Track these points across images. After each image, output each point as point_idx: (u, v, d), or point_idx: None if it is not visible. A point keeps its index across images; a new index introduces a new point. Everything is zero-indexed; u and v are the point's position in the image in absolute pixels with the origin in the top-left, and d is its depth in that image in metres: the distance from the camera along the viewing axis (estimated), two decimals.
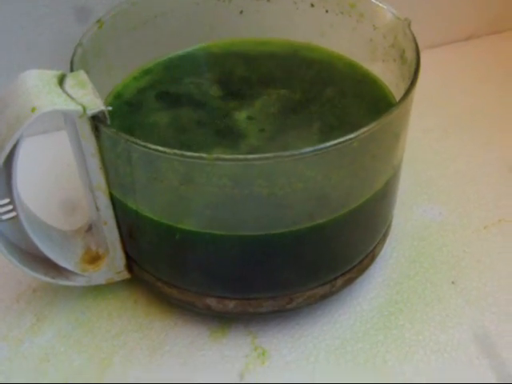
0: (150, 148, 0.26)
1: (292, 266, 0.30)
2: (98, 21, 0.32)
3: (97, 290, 0.35)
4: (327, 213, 0.28)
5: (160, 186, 0.27)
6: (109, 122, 0.27)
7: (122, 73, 0.35)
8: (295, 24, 0.37)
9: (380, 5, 0.34)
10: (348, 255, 0.32)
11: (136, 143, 0.26)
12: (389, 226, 0.34)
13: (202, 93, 0.35)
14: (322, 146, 0.25)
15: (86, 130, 0.28)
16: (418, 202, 0.39)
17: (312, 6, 0.36)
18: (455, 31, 0.52)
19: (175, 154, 0.25)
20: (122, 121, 0.33)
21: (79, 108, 0.27)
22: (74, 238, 0.33)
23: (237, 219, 0.28)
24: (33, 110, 0.26)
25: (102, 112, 0.27)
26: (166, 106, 0.34)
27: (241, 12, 0.37)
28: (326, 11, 0.36)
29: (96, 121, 0.27)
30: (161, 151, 0.26)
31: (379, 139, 0.28)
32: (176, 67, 0.37)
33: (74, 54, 0.30)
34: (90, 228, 0.34)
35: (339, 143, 0.26)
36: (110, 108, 0.27)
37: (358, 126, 0.30)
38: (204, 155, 0.25)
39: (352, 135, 0.26)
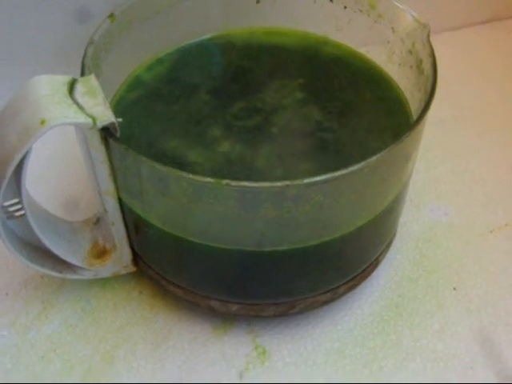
0: (158, 167, 0.26)
1: (296, 278, 0.31)
2: (110, 15, 0.32)
3: (103, 279, 0.35)
4: (333, 231, 0.28)
5: (168, 200, 0.28)
6: (119, 133, 0.27)
7: (134, 64, 0.35)
8: (312, 17, 0.36)
9: (400, 7, 0.33)
10: (352, 266, 0.32)
11: (145, 161, 0.26)
12: (394, 234, 0.34)
13: (215, 84, 0.35)
14: (332, 175, 0.25)
15: (95, 140, 0.27)
16: (426, 201, 0.39)
17: (331, 0, 0.35)
18: (474, 14, 0.50)
19: (184, 177, 0.25)
20: (133, 111, 0.33)
21: (89, 120, 0.27)
22: (81, 231, 0.34)
23: (242, 236, 0.28)
24: (42, 122, 0.26)
25: (113, 124, 0.27)
26: (178, 96, 0.34)
27: (257, 1, 0.36)
28: (345, 7, 0.35)
29: (106, 132, 0.27)
30: (169, 172, 0.26)
31: (391, 162, 0.27)
32: (189, 57, 0.36)
33: (85, 55, 0.30)
34: (97, 220, 0.34)
35: (350, 172, 0.25)
36: (121, 120, 0.27)
37: (371, 139, 0.30)
38: (213, 180, 0.25)
39: (363, 163, 0.26)
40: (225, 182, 0.25)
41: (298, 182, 0.25)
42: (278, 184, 0.25)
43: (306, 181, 0.25)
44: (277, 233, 0.28)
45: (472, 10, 0.50)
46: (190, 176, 0.25)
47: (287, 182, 0.25)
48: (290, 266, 0.30)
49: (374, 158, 0.26)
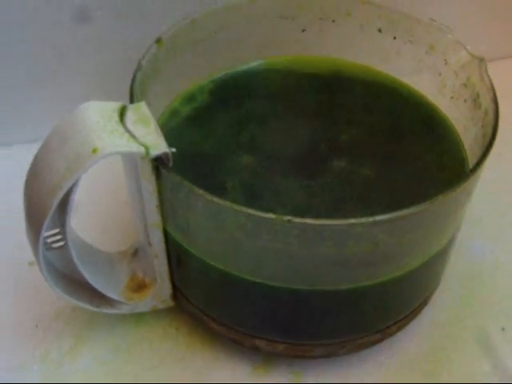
0: (216, 201, 0.24)
1: (347, 318, 0.29)
2: (158, 40, 0.31)
3: (137, 314, 0.34)
4: (390, 272, 0.27)
5: (219, 235, 0.26)
6: (171, 163, 0.26)
7: (178, 91, 0.34)
8: (359, 47, 0.35)
9: (453, 39, 0.32)
10: (404, 307, 0.31)
11: (201, 194, 0.25)
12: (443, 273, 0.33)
13: (260, 112, 0.34)
14: (398, 213, 0.24)
15: (146, 170, 0.26)
16: (469, 238, 0.38)
17: (379, 31, 0.34)
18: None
19: (243, 212, 0.24)
20: (179, 138, 0.32)
21: (142, 150, 0.25)
22: (119, 263, 0.32)
23: (297, 274, 0.27)
24: (94, 151, 0.25)
25: (166, 154, 0.26)
26: (223, 123, 0.33)
27: (303, 30, 0.35)
28: (394, 38, 0.34)
29: (158, 162, 0.26)
30: (227, 206, 0.24)
31: (455, 201, 0.26)
32: (235, 84, 0.35)
33: (133, 81, 0.29)
34: (135, 252, 0.33)
35: (417, 211, 0.24)
36: (174, 150, 0.26)
37: (422, 176, 0.29)
38: (274, 216, 0.24)
39: (430, 202, 0.24)
40: (287, 218, 0.24)
41: (364, 220, 0.24)
42: (343, 222, 0.24)
43: (372, 219, 0.24)
44: (333, 272, 0.27)
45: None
46: (250, 211, 0.24)
47: (352, 220, 0.24)
48: (343, 307, 0.29)
49: (441, 197, 0.25)
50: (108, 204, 0.39)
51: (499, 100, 0.29)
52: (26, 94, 0.40)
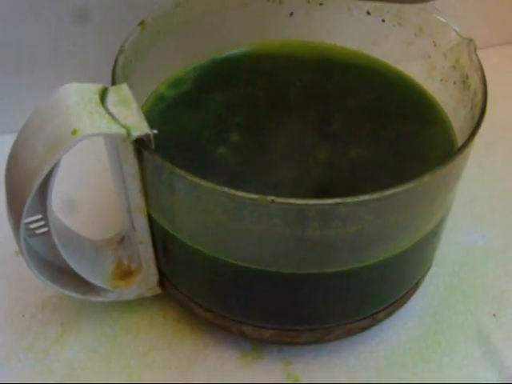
0: (197, 182, 0.24)
1: (334, 303, 0.29)
2: (141, 23, 0.30)
3: (125, 302, 0.33)
4: (378, 254, 0.27)
5: (204, 218, 0.26)
6: (153, 145, 0.26)
7: (163, 75, 0.33)
8: (347, 30, 0.35)
9: (443, 20, 0.31)
10: (393, 291, 0.30)
11: (183, 175, 0.24)
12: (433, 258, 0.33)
13: (245, 97, 0.33)
14: (384, 193, 0.24)
15: (128, 153, 0.26)
16: (461, 224, 0.38)
17: (368, 13, 0.34)
18: (505, 33, 0.49)
19: (225, 192, 0.24)
20: (162, 124, 0.32)
21: (123, 131, 0.25)
22: (105, 251, 0.32)
23: (282, 257, 0.26)
24: (74, 132, 0.24)
25: (147, 135, 0.25)
26: (209, 108, 0.32)
27: (291, 14, 0.35)
28: (383, 20, 0.33)
29: (140, 144, 0.25)
30: (209, 187, 0.24)
31: (442, 181, 0.26)
32: (219, 69, 0.34)
33: (115, 64, 0.28)
34: (122, 239, 0.32)
35: (402, 190, 0.24)
36: (156, 131, 0.26)
37: (412, 157, 0.29)
38: (257, 197, 0.23)
39: (416, 181, 0.24)
40: (270, 198, 0.23)
41: (349, 199, 0.23)
42: (328, 201, 0.23)
43: (358, 199, 0.23)
44: (319, 255, 0.26)
45: (503, 30, 0.48)
46: (232, 192, 0.24)
47: (337, 200, 0.23)
48: (330, 291, 0.28)
49: (427, 176, 0.24)
50: (96, 191, 0.39)
51: (492, 89, 0.29)
52: (7, 84, 0.40)
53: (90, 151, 0.35)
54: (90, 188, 0.39)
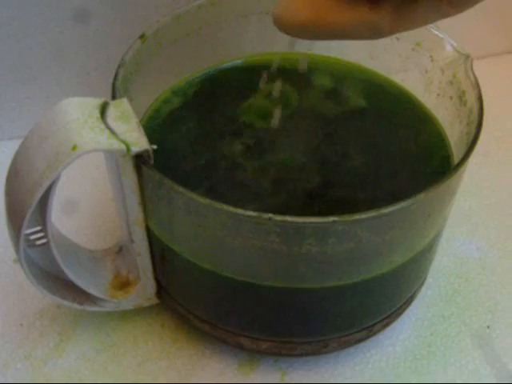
0: (196, 198, 0.24)
1: (331, 317, 0.29)
2: (142, 36, 0.30)
3: (123, 312, 0.33)
4: (374, 269, 0.27)
5: (201, 233, 0.26)
6: (152, 161, 0.26)
7: (163, 86, 0.33)
8: (345, 43, 0.35)
9: (440, 35, 0.32)
10: (389, 303, 0.31)
11: (181, 192, 0.24)
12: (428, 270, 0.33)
13: (244, 108, 0.33)
14: (380, 211, 0.24)
15: (128, 167, 0.26)
16: (456, 235, 0.38)
17: None
18: (500, 43, 0.49)
19: (223, 209, 0.24)
20: (161, 134, 0.32)
21: (123, 147, 0.25)
22: (103, 261, 0.32)
23: (279, 272, 0.27)
24: (74, 148, 0.25)
25: (147, 151, 0.26)
26: (207, 120, 0.33)
27: None
28: None
29: (139, 160, 0.26)
30: (208, 204, 0.24)
31: (438, 198, 0.26)
32: (220, 80, 0.35)
33: (115, 77, 0.29)
34: (120, 250, 0.33)
35: (399, 209, 0.24)
36: (155, 147, 0.26)
37: (407, 173, 0.29)
38: (255, 214, 0.24)
39: (412, 199, 0.24)
40: (267, 216, 0.24)
41: (346, 217, 0.24)
42: (325, 220, 0.24)
43: (354, 217, 0.24)
44: (316, 270, 0.26)
45: (499, 39, 0.49)
46: (231, 209, 0.24)
47: (334, 218, 0.24)
48: (326, 304, 0.28)
49: (423, 194, 0.24)
50: (96, 202, 0.39)
51: (488, 98, 0.29)
52: (9, 92, 0.40)
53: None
54: (90, 193, 0.40)
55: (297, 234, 0.24)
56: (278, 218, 0.24)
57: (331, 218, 0.24)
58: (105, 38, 0.39)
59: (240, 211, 0.24)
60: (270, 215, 0.24)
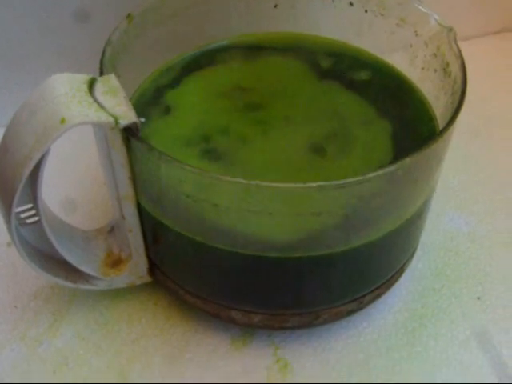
0: (185, 167, 0.25)
1: (321, 287, 0.30)
2: (128, 16, 0.31)
3: (116, 290, 0.34)
4: (362, 237, 0.27)
5: (191, 203, 0.26)
6: (140, 133, 0.26)
7: (150, 67, 0.34)
8: (331, 21, 0.35)
9: (423, 10, 0.32)
10: (379, 274, 0.31)
11: (170, 160, 0.25)
12: (418, 243, 0.33)
13: (230, 87, 0.34)
14: (366, 176, 0.24)
15: (116, 141, 0.26)
16: (446, 210, 0.38)
17: (351, 4, 0.34)
18: (486, 24, 0.50)
19: (211, 177, 0.24)
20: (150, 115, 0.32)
21: (111, 120, 0.25)
22: (95, 240, 0.32)
23: (268, 242, 0.27)
24: (62, 121, 0.25)
25: (135, 124, 0.26)
26: (195, 101, 0.33)
27: (275, 6, 0.35)
28: (366, 11, 0.34)
29: (128, 133, 0.26)
30: (195, 172, 0.24)
31: (424, 164, 0.27)
32: (205, 60, 0.35)
33: (103, 55, 0.29)
34: (112, 229, 0.33)
35: (384, 173, 0.24)
36: (143, 120, 0.26)
37: (397, 143, 0.29)
38: (242, 181, 0.24)
39: (398, 164, 0.25)
40: (254, 182, 0.24)
41: (333, 183, 0.24)
42: (312, 185, 0.24)
43: (341, 182, 0.24)
44: (304, 238, 0.27)
45: (484, 21, 0.49)
46: (218, 176, 0.24)
47: (321, 183, 0.24)
48: (317, 274, 0.29)
49: (408, 159, 0.25)
50: (87, 181, 0.39)
51: (474, 79, 0.30)
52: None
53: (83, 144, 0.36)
54: (85, 184, 0.40)
55: (285, 201, 0.25)
56: (265, 184, 0.24)
57: (318, 184, 0.24)
58: (96, 23, 0.39)
59: (228, 178, 0.24)
60: (257, 182, 0.24)
